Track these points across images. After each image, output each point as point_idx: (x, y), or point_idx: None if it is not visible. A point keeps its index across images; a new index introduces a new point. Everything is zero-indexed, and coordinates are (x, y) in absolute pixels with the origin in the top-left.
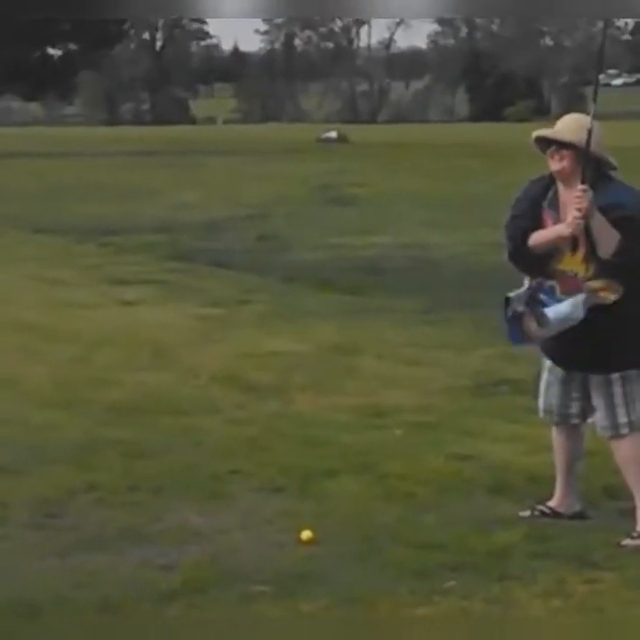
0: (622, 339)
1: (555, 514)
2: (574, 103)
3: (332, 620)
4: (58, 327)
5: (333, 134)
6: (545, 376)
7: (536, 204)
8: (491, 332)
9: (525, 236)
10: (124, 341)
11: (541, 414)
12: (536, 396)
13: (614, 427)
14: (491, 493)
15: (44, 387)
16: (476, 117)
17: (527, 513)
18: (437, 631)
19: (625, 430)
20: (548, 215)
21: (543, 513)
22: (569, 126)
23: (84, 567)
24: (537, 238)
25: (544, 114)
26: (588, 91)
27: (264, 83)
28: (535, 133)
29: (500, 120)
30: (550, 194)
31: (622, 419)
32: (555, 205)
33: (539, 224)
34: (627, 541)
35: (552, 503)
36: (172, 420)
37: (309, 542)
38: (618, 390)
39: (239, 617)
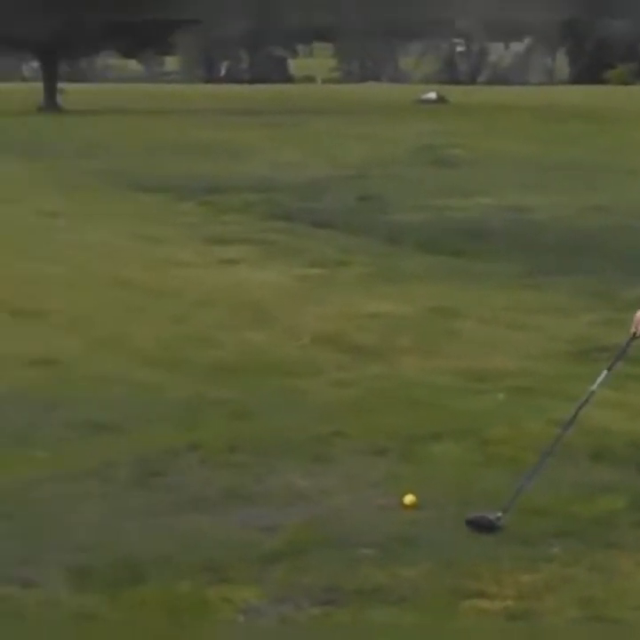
0: None
1: None
2: None
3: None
4: (159, 285)
5: (433, 95)
6: None
7: None
8: (592, 296)
9: None
10: (226, 301)
11: None
12: None
13: None
14: (592, 459)
15: (146, 345)
16: (576, 80)
17: None
18: (539, 599)
19: None
20: None
21: None
22: None
23: (186, 527)
24: None
25: None
26: None
27: (363, 43)
28: None
29: (600, 83)
30: None
31: None
32: None
33: None
34: None
35: None
36: (274, 380)
37: (412, 506)
38: None
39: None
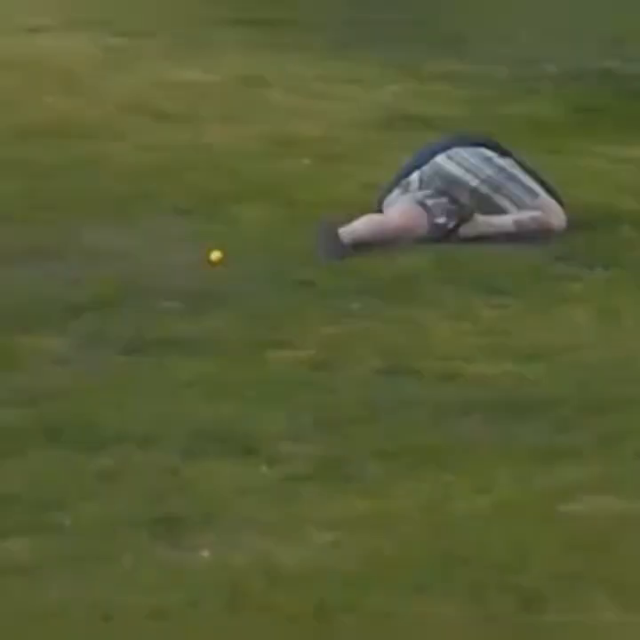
0: None
1: None
2: None
3: None
4: None
5: None
6: None
7: None
8: (400, 68)
9: None
10: (29, 67)
11: None
12: None
13: None
14: None
15: None
16: None
17: None
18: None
19: None
20: None
21: None
22: None
23: None
24: None
25: None
26: None
27: None
28: None
29: None
30: None
31: None
32: None
33: None
34: None
35: None
36: (78, 144)
37: (218, 262)
38: None
39: None
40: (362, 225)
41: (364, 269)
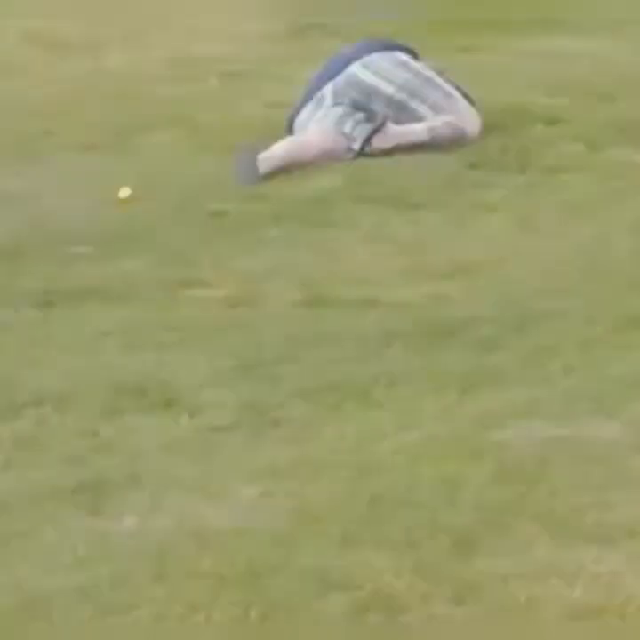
0: None
1: None
2: None
3: None
4: None
5: None
6: None
7: None
8: None
9: None
10: None
11: None
12: None
13: None
14: None
15: None
16: None
17: None
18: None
19: None
20: None
21: None
22: None
23: None
24: None
25: None
26: None
27: None
28: None
29: None
30: None
31: None
32: None
33: None
34: None
35: None
36: None
37: (128, 200)
38: None
39: None
40: (281, 151)
41: (278, 194)
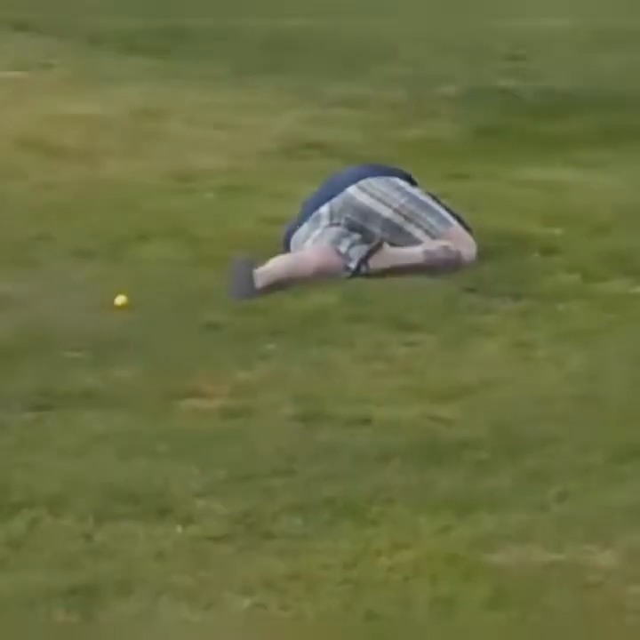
0: None
1: None
2: None
3: None
4: None
5: None
6: None
7: None
8: (297, 94)
9: None
10: None
11: None
12: None
13: None
14: None
15: None
16: None
17: None
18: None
19: None
20: None
21: None
22: None
23: None
24: None
25: None
26: None
27: None
28: None
29: None
30: None
31: None
32: None
33: None
34: None
35: None
36: None
37: (123, 307)
38: None
39: None
40: (278, 266)
41: (273, 309)
